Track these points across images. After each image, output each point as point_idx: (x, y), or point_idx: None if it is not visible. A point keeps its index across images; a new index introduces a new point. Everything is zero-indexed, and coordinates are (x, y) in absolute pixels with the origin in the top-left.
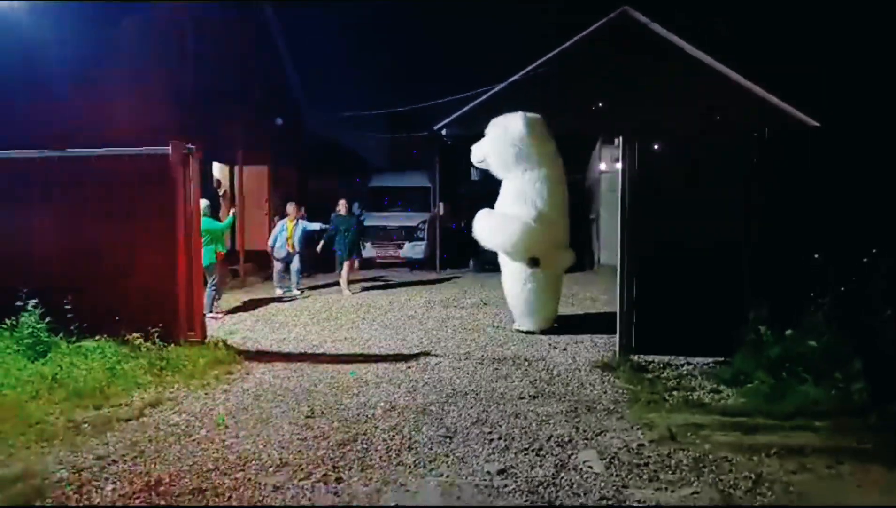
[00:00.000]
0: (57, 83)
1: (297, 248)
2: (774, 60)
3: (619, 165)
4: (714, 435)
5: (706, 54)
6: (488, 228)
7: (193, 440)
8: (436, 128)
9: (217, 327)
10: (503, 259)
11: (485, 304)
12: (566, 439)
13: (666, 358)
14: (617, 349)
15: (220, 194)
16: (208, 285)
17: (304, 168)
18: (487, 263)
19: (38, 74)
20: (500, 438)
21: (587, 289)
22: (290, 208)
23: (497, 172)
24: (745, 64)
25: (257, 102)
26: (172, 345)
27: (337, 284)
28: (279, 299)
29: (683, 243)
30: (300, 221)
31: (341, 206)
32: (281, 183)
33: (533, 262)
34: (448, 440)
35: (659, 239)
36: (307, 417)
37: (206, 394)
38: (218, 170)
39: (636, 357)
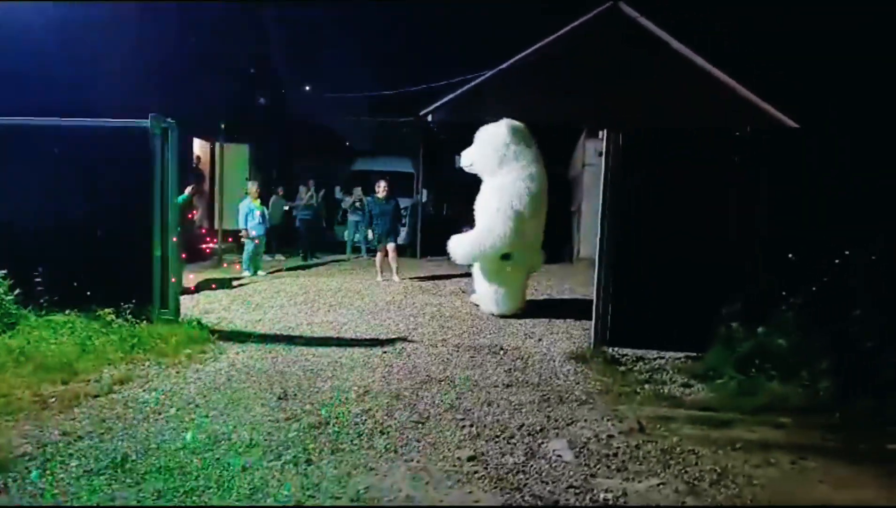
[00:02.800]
0: (33, 55)
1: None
2: (759, 62)
3: (602, 159)
4: (682, 428)
5: (694, 52)
6: (461, 248)
7: (163, 418)
8: (421, 114)
9: (192, 305)
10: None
11: (463, 292)
12: (537, 428)
13: (639, 352)
14: (592, 341)
15: (196, 169)
16: None
17: (286, 148)
18: None
19: (12, 45)
20: (471, 425)
21: (565, 281)
22: (252, 186)
23: (483, 175)
24: (729, 64)
25: (240, 80)
26: (145, 322)
27: (303, 267)
28: (251, 280)
29: (661, 238)
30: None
31: (380, 188)
32: (262, 162)
33: (505, 256)
34: (420, 425)
35: (637, 233)
36: (279, 399)
37: (177, 373)
38: (199, 146)
39: (610, 350)
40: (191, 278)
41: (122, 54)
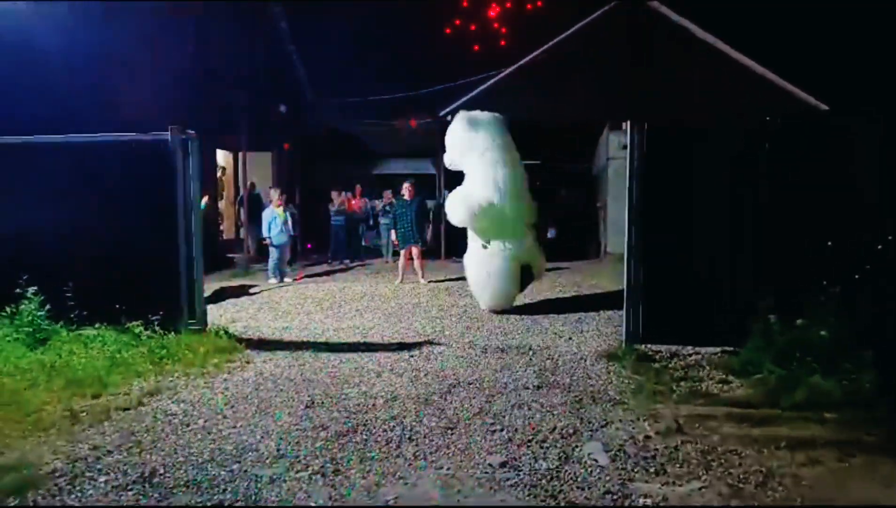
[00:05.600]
0: (56, 68)
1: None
2: (783, 45)
3: (626, 151)
4: (722, 427)
5: (717, 38)
6: (448, 206)
7: (191, 429)
8: (441, 114)
9: (220, 313)
10: (469, 243)
11: None
12: (570, 430)
13: (673, 348)
14: (623, 338)
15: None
16: None
17: (308, 154)
18: None
19: (36, 58)
20: (502, 429)
21: (593, 278)
22: (274, 194)
23: (460, 169)
24: (753, 48)
25: (260, 88)
26: (173, 333)
27: (328, 273)
28: (280, 288)
29: (692, 230)
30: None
31: (406, 189)
32: (285, 169)
33: (484, 245)
34: (449, 431)
35: (667, 225)
36: (307, 407)
37: (205, 383)
38: (222, 157)
39: (643, 347)
40: (212, 286)
41: (145, 67)
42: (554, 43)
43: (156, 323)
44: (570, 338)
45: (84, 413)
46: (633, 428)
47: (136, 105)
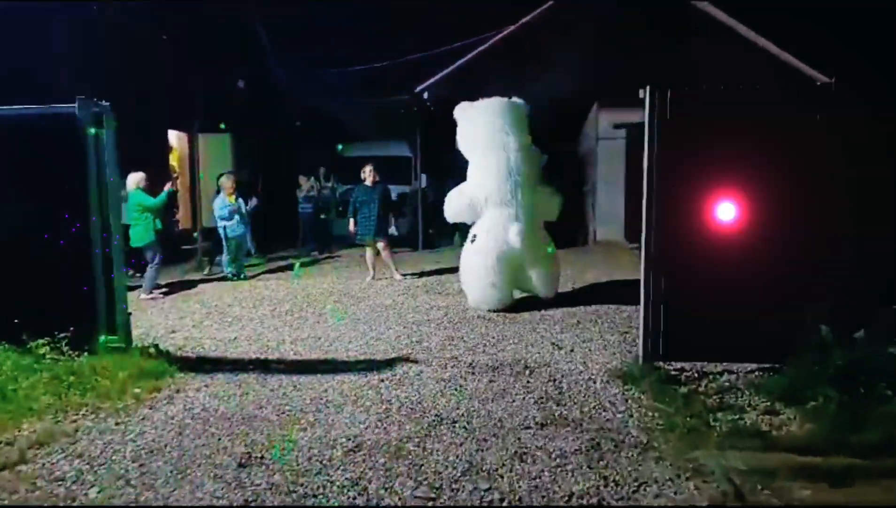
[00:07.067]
0: None
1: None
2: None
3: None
4: (791, 488)
5: (717, 8)
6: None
7: (76, 505)
8: (417, 90)
9: (155, 307)
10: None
11: None
12: (592, 500)
13: (699, 365)
14: (639, 353)
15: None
16: (149, 265)
17: (271, 135)
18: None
19: None
20: (501, 499)
21: (585, 270)
22: (227, 180)
23: (466, 154)
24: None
25: (218, 62)
26: (87, 354)
27: (291, 267)
28: (234, 286)
29: (723, 222)
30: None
31: (367, 173)
32: (244, 153)
33: (472, 239)
34: (430, 503)
35: (693, 216)
36: (240, 466)
37: (116, 424)
38: (175, 139)
39: (664, 365)
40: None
41: (80, 39)
42: (545, 7)
43: (66, 341)
44: (571, 350)
45: None
46: (676, 493)
47: (71, 82)
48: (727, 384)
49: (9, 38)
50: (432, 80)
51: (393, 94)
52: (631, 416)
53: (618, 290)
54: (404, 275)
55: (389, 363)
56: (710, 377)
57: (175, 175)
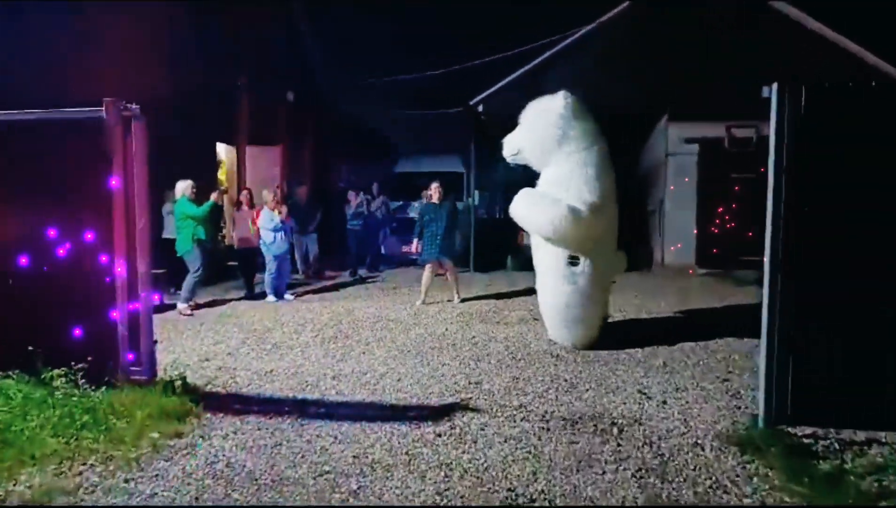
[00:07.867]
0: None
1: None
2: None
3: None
4: None
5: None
6: (527, 205)
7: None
8: (471, 103)
9: (191, 330)
10: (538, 258)
11: (535, 319)
12: None
13: (832, 431)
14: (760, 412)
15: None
16: (189, 274)
17: (320, 149)
18: (528, 261)
19: None
20: None
21: (653, 298)
22: (268, 194)
23: (536, 163)
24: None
25: (268, 74)
26: (106, 387)
27: (336, 287)
28: (276, 309)
29: (874, 251)
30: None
31: (433, 190)
32: (295, 166)
33: (573, 260)
34: None
35: (833, 244)
36: None
37: (125, 482)
38: (224, 152)
39: (792, 430)
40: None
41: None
42: (610, 15)
43: (82, 373)
44: (664, 401)
45: None
46: None
47: (118, 89)
48: (879, 458)
49: (58, 48)
50: (487, 92)
51: (445, 106)
52: (761, 501)
53: (699, 323)
54: (462, 299)
55: (446, 411)
56: (855, 448)
57: (222, 188)
